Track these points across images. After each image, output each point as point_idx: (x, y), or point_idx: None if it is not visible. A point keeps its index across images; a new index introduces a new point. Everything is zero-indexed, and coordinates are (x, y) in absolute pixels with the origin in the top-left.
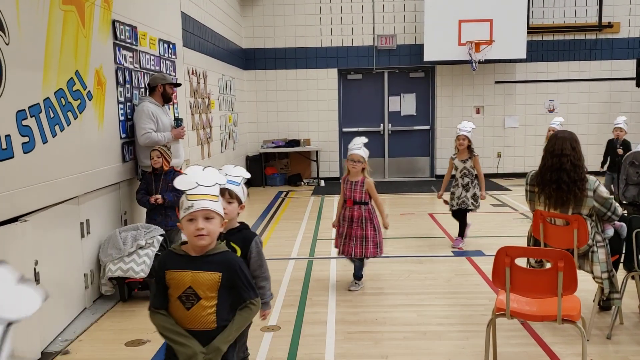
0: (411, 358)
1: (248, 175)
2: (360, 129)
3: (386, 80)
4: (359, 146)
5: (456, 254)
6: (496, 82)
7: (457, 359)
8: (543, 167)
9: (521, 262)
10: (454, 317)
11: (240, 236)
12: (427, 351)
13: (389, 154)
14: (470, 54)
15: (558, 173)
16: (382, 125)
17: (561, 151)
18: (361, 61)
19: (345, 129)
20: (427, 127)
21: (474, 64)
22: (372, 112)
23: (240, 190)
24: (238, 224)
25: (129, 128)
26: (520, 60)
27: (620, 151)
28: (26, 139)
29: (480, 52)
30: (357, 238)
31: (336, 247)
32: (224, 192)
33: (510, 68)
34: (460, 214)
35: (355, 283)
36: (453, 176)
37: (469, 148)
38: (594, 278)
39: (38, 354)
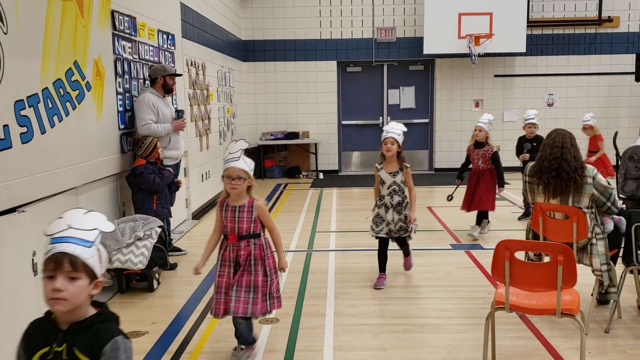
0: (410, 351)
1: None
2: (359, 122)
3: (385, 73)
4: (236, 156)
5: (454, 247)
6: (495, 76)
7: (456, 352)
8: (541, 158)
9: (519, 256)
10: (452, 310)
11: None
12: (426, 344)
13: None
14: (469, 47)
15: (558, 161)
16: (381, 118)
17: (562, 144)
18: (360, 54)
19: (344, 122)
20: (426, 120)
21: (473, 58)
22: (371, 104)
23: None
24: (93, 309)
25: (127, 119)
26: (520, 54)
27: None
28: (24, 129)
29: (480, 46)
30: (244, 288)
31: (215, 308)
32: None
33: (510, 62)
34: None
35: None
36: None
37: (399, 156)
38: (593, 271)
39: None
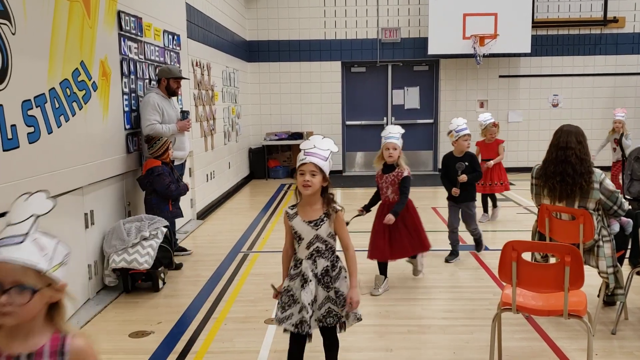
0: (415, 352)
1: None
2: (363, 122)
3: (390, 73)
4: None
5: (460, 248)
6: (500, 76)
7: (462, 353)
8: (547, 160)
9: (525, 257)
10: (458, 312)
11: None
12: (432, 345)
13: None
14: (474, 48)
15: (562, 166)
16: (385, 118)
17: (566, 144)
18: (365, 54)
19: (348, 122)
20: (431, 121)
21: (478, 58)
22: (375, 105)
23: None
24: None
25: (133, 119)
26: (525, 55)
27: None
28: (31, 129)
29: (485, 46)
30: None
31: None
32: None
33: (515, 62)
34: None
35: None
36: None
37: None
38: (599, 273)
39: None
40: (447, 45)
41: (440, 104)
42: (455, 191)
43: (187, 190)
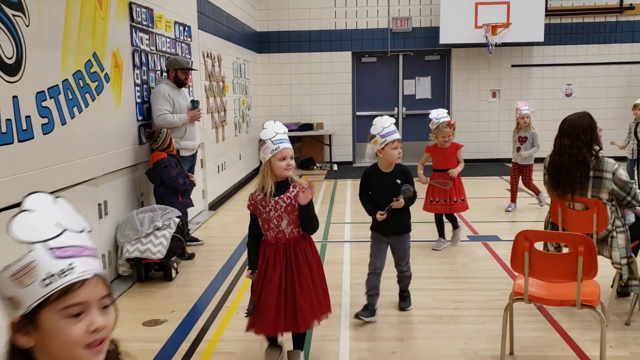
0: (427, 342)
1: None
2: (374, 113)
3: (401, 63)
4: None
5: (472, 239)
6: (513, 66)
7: (474, 343)
8: (552, 152)
9: (538, 247)
10: (469, 302)
11: None
12: (443, 335)
13: (403, 138)
14: (486, 37)
15: (562, 157)
16: (396, 108)
17: (566, 135)
18: (376, 44)
19: (359, 113)
20: None
21: (490, 47)
22: (386, 95)
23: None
24: None
25: (145, 110)
26: (538, 44)
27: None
28: (45, 120)
29: (497, 35)
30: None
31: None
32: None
33: (528, 51)
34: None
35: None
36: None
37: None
38: (612, 263)
39: None
40: (458, 34)
41: (452, 93)
42: (381, 216)
43: (194, 185)
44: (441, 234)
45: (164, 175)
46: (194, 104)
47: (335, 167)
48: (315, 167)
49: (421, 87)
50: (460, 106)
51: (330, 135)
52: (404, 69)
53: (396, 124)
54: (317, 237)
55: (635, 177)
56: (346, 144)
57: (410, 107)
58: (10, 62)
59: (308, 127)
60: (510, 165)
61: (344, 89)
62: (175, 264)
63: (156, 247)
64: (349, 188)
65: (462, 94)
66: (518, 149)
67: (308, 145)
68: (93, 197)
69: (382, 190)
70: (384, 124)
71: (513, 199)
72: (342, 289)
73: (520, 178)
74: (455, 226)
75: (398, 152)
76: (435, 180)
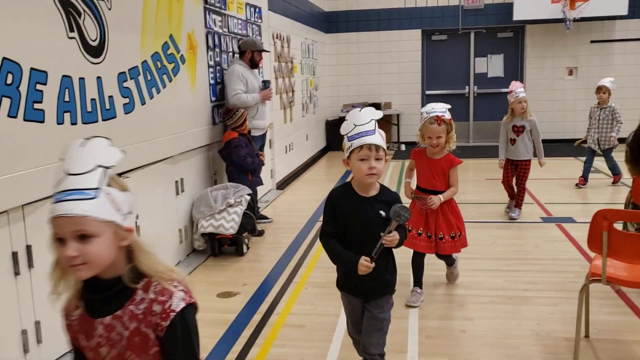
0: (497, 322)
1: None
2: (443, 92)
3: (472, 41)
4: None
5: (545, 220)
6: (592, 42)
7: (546, 324)
8: (636, 129)
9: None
10: (542, 283)
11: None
12: (514, 315)
13: (474, 118)
14: (564, 12)
15: None
16: (467, 87)
17: None
18: (446, 21)
19: (428, 92)
20: None
21: (567, 23)
22: (456, 74)
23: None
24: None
25: (218, 91)
26: (621, 17)
27: None
28: (126, 100)
29: (576, 10)
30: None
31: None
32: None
33: (609, 26)
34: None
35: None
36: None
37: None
38: None
39: None
40: (533, 10)
41: (526, 71)
42: (367, 265)
43: (263, 165)
44: (418, 282)
45: (234, 154)
46: (266, 83)
47: (403, 147)
48: None
49: (493, 65)
50: (535, 85)
51: (398, 115)
52: (475, 46)
53: (467, 103)
54: None
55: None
56: (414, 123)
57: (481, 85)
58: (95, 44)
59: (376, 106)
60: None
61: (413, 67)
62: (246, 240)
63: (229, 223)
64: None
65: (537, 72)
66: (513, 142)
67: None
68: (171, 175)
69: (358, 223)
70: (357, 120)
71: (512, 198)
72: (409, 267)
73: (515, 177)
74: (450, 263)
75: (368, 167)
76: (418, 196)
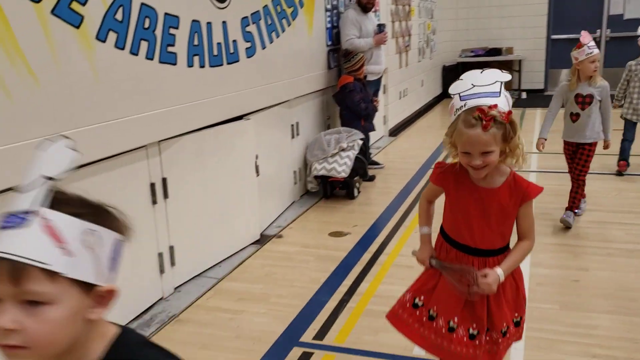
0: (614, 274)
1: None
2: (571, 36)
3: None
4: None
5: None
6: None
7: None
8: None
9: None
10: None
11: None
12: (633, 269)
13: (605, 64)
14: None
15: None
16: (599, 31)
17: None
18: None
19: (554, 36)
20: None
21: None
22: (587, 15)
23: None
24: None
25: (334, 35)
26: None
27: None
28: (248, 44)
29: None
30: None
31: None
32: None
33: None
34: None
35: None
36: None
37: None
38: None
39: (257, 236)
40: None
41: None
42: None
43: (376, 111)
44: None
45: (348, 99)
46: (381, 27)
47: (524, 95)
48: None
49: (631, 6)
50: None
51: (520, 61)
52: None
53: (598, 46)
54: None
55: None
56: (538, 70)
57: (616, 29)
58: None
59: (496, 52)
60: None
61: (539, 9)
62: (357, 184)
63: (341, 167)
64: (538, 117)
65: None
66: (575, 117)
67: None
68: (287, 118)
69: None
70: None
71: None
72: None
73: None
74: None
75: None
76: (449, 265)
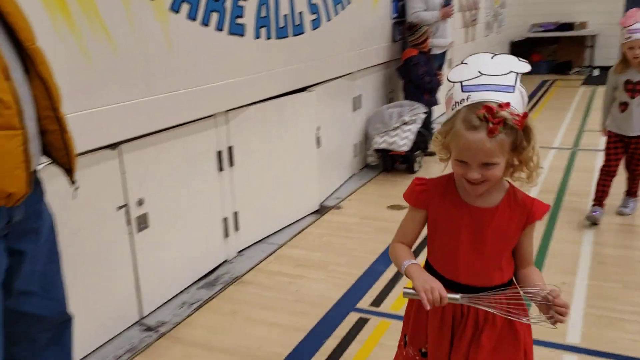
0: None
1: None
2: None
3: None
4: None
5: None
6: None
7: None
8: None
9: None
10: None
11: None
12: None
13: None
14: None
15: None
16: None
17: None
18: None
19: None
20: None
21: None
22: None
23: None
24: None
25: (400, 8)
26: None
27: None
28: (314, 16)
29: None
30: None
31: None
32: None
33: None
34: None
35: None
36: None
37: None
38: None
39: (317, 206)
40: None
41: None
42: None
43: (440, 85)
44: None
45: (412, 72)
46: (447, 0)
47: (596, 72)
48: (571, 72)
49: None
50: None
51: (594, 36)
52: None
53: None
54: (567, 143)
55: None
56: (613, 45)
57: None
58: None
59: (567, 26)
60: None
61: None
62: (418, 158)
63: (402, 141)
64: None
65: None
66: (624, 107)
67: (565, 47)
68: (349, 91)
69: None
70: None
71: (599, 202)
72: (589, 196)
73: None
74: None
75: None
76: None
